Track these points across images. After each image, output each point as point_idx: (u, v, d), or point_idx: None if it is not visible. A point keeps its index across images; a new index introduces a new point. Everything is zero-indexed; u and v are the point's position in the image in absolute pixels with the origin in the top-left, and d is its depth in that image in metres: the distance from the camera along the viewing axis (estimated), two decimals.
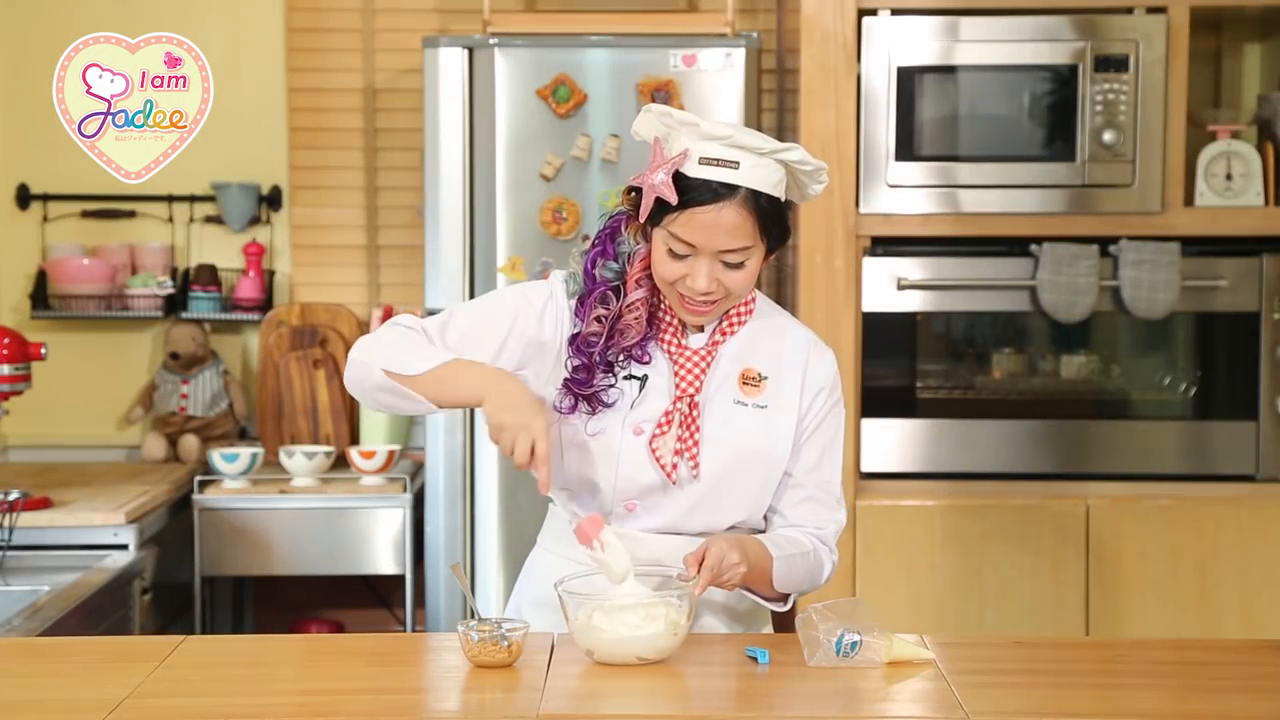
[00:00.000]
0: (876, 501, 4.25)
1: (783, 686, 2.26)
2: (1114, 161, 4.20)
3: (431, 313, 4.27)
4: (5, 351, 3.87)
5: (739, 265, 2.41)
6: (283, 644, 2.74)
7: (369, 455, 4.39)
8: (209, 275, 4.78)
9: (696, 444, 2.46)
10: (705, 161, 2.38)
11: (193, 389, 4.77)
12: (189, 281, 4.80)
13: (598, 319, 2.47)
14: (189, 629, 4.32)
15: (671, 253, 2.41)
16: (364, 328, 4.80)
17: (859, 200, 4.23)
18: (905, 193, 4.23)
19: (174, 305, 4.78)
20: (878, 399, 4.28)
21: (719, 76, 4.24)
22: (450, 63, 4.27)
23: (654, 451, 2.46)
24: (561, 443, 2.51)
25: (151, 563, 4.02)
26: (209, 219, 4.86)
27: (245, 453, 4.39)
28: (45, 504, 3.94)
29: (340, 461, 4.59)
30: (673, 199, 2.37)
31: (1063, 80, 4.21)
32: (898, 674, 2.29)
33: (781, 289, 4.76)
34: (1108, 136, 4.18)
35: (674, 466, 2.46)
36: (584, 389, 2.47)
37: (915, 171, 4.23)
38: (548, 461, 2.33)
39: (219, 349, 4.87)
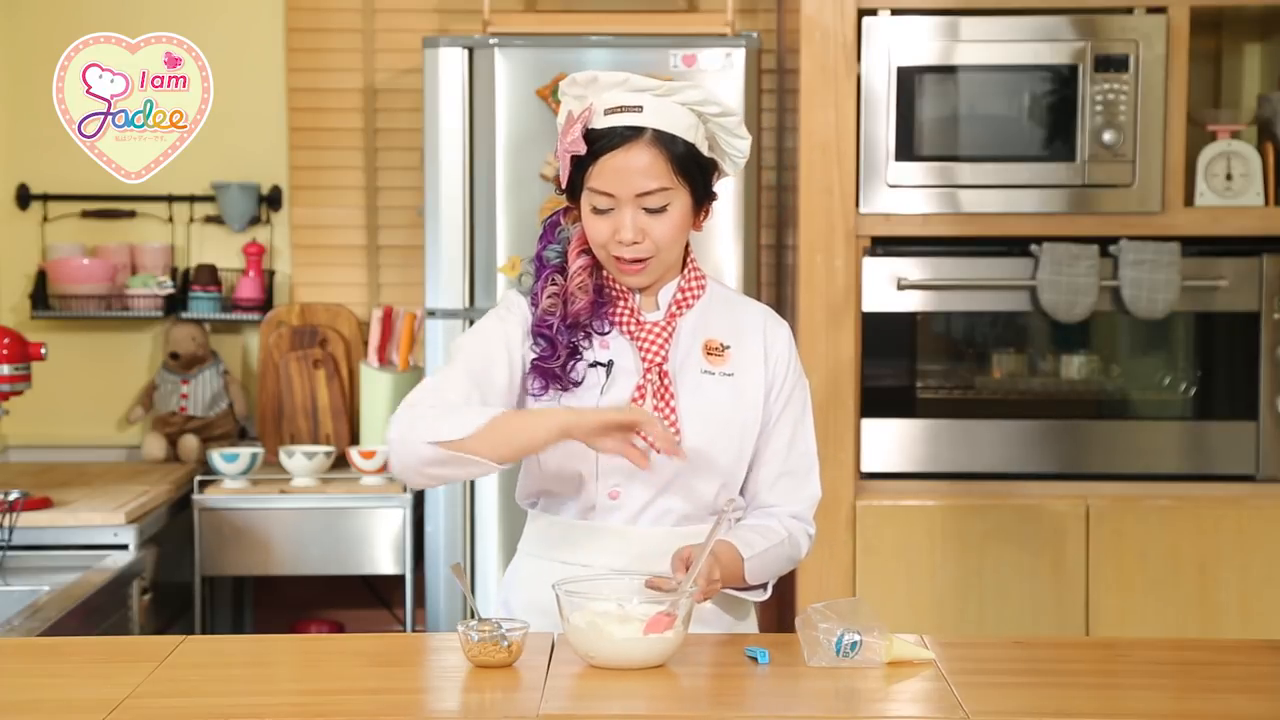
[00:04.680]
0: (876, 501, 4.25)
1: (783, 686, 2.26)
2: (1114, 161, 4.20)
3: (432, 313, 4.31)
4: (5, 351, 3.87)
5: (661, 210, 2.45)
6: (283, 644, 2.74)
7: (369, 455, 4.39)
8: (209, 275, 4.78)
9: (674, 410, 2.49)
10: (610, 111, 2.45)
11: (193, 389, 4.77)
12: (189, 281, 4.80)
13: (550, 296, 2.51)
14: (189, 629, 4.32)
15: (596, 210, 2.46)
16: (364, 328, 4.80)
17: (859, 200, 4.23)
18: (905, 193, 4.23)
19: (174, 305, 4.78)
20: (878, 399, 4.28)
21: (719, 76, 4.24)
22: (450, 63, 4.27)
23: None
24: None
25: (151, 563, 4.01)
26: (209, 219, 4.86)
27: (245, 453, 4.39)
28: (45, 504, 3.94)
29: (340, 461, 4.59)
30: (581, 150, 2.43)
31: (1063, 80, 4.21)
32: (898, 674, 2.29)
33: (781, 289, 4.76)
34: (1108, 136, 4.18)
35: None
36: (550, 363, 2.49)
37: (915, 171, 4.23)
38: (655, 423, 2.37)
39: (219, 349, 4.87)
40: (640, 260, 2.47)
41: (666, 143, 2.44)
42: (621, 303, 2.53)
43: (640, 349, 2.51)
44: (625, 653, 2.27)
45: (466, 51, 4.28)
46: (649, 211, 2.45)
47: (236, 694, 2.23)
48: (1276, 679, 2.33)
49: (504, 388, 2.50)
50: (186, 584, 4.35)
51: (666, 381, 2.50)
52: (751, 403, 2.55)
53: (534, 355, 2.51)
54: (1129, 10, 4.21)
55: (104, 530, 3.90)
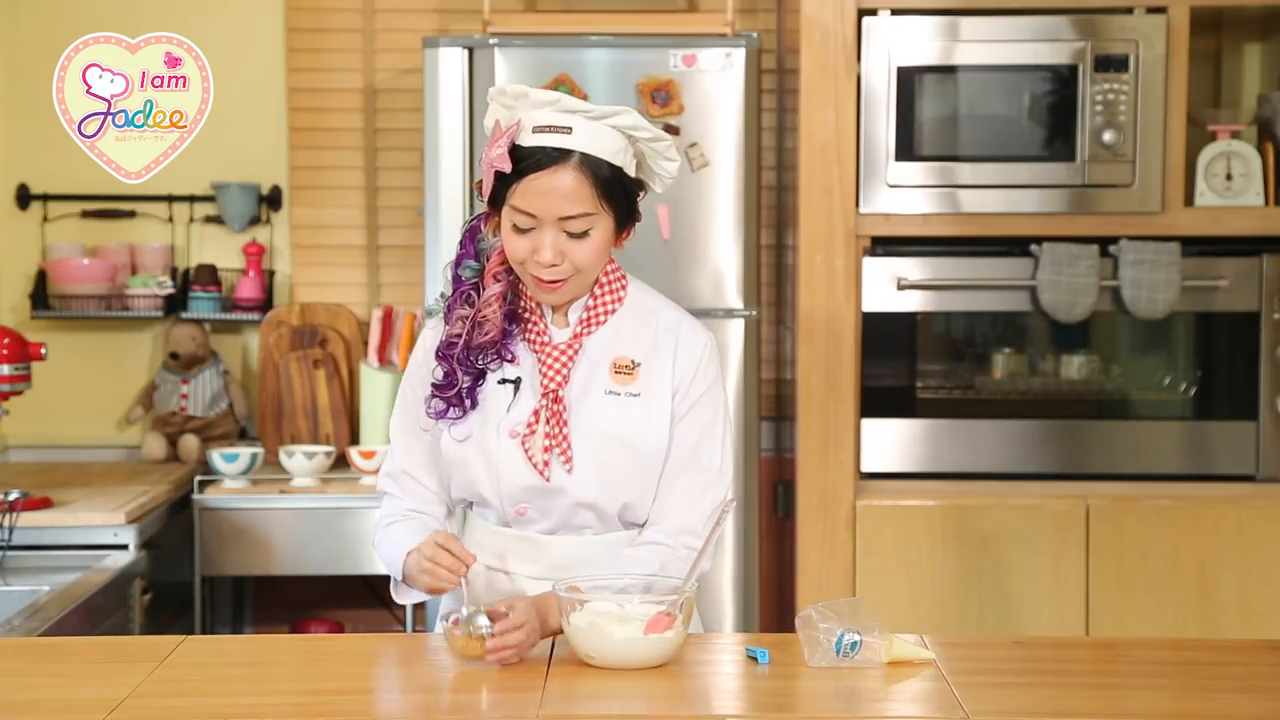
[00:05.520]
0: (876, 501, 4.24)
1: (783, 686, 2.26)
2: (1114, 161, 4.20)
3: (432, 313, 4.30)
4: (5, 351, 3.87)
5: (583, 235, 2.43)
6: (283, 644, 2.74)
7: (369, 455, 4.40)
8: (209, 275, 4.78)
9: (566, 439, 2.47)
10: (539, 129, 2.42)
11: (193, 389, 4.77)
12: (189, 281, 4.80)
13: (460, 318, 2.50)
14: (189, 629, 4.32)
15: (516, 228, 2.43)
16: (364, 328, 4.80)
17: (859, 200, 4.23)
18: (905, 193, 4.23)
19: (174, 305, 4.78)
20: (878, 399, 4.28)
21: (719, 76, 4.24)
22: (450, 63, 4.27)
23: (526, 451, 2.47)
24: (447, 460, 2.54)
25: (151, 563, 4.02)
26: (209, 219, 4.86)
27: (245, 453, 4.39)
28: (45, 504, 3.94)
29: (340, 461, 4.59)
30: (507, 168, 2.41)
31: (1063, 80, 4.21)
32: (898, 674, 2.29)
33: (781, 289, 4.76)
34: (1108, 136, 4.18)
35: (546, 464, 2.47)
36: (446, 393, 2.49)
37: (915, 171, 4.23)
38: (455, 550, 2.41)
39: (219, 349, 4.87)
40: (558, 281, 2.45)
41: (593, 167, 2.41)
42: (533, 321, 2.52)
43: (541, 373, 2.49)
44: (625, 653, 2.27)
45: (466, 51, 4.28)
46: (570, 235, 2.42)
47: (236, 694, 2.23)
48: (1276, 679, 2.33)
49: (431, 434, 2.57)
50: (186, 584, 4.35)
51: (559, 407, 2.47)
52: (658, 423, 2.50)
53: (433, 380, 2.51)
54: (1129, 10, 4.21)
55: (104, 530, 3.89)
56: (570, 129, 2.40)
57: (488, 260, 2.51)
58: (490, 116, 2.49)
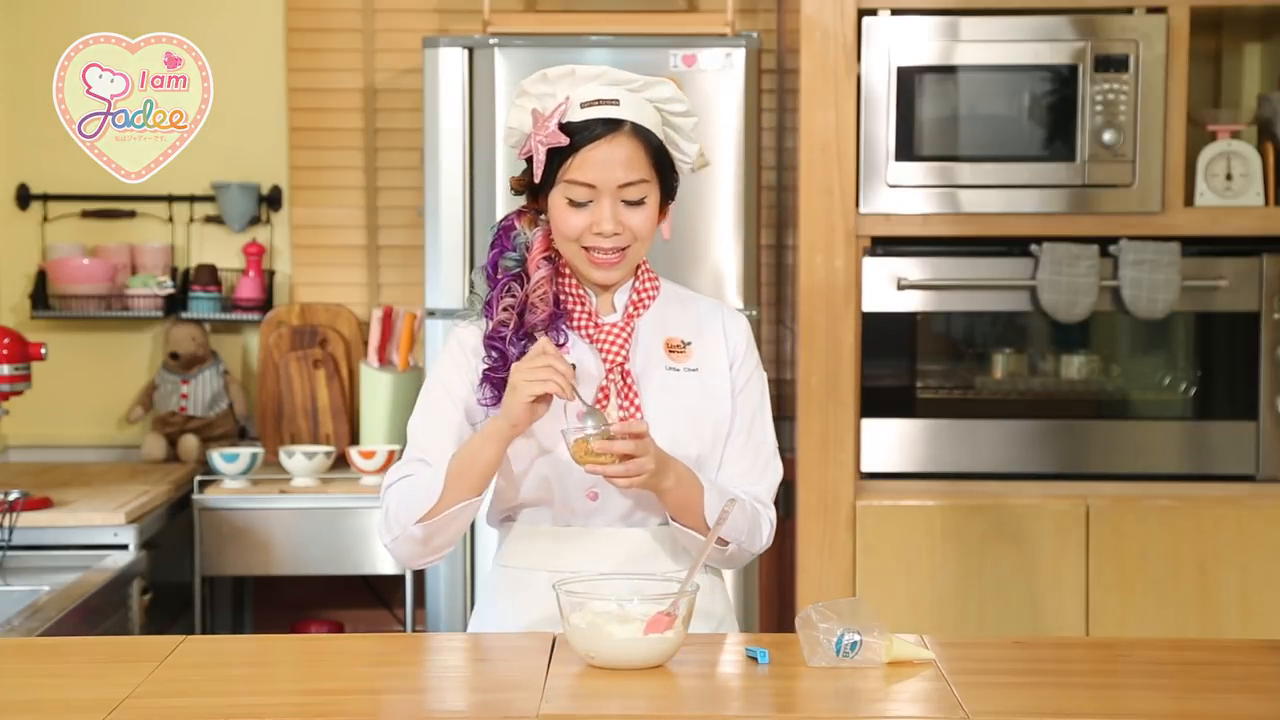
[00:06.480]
0: (876, 501, 4.25)
1: (783, 686, 2.26)
2: (1114, 161, 4.20)
3: (432, 313, 4.31)
4: (5, 351, 3.87)
5: (639, 203, 2.47)
6: (283, 644, 2.74)
7: (369, 455, 4.40)
8: (209, 275, 4.78)
9: (639, 408, 2.48)
10: (587, 104, 2.45)
11: (193, 389, 4.77)
12: (189, 281, 4.80)
13: (505, 308, 2.50)
14: (189, 629, 4.32)
15: (572, 203, 2.45)
16: (364, 328, 4.80)
17: (859, 200, 4.23)
18: (905, 193, 4.23)
19: (174, 305, 4.78)
20: (878, 399, 4.28)
21: (719, 76, 4.24)
22: (450, 63, 4.27)
23: None
24: (510, 463, 2.50)
25: (151, 563, 4.02)
26: (209, 219, 4.86)
27: (245, 453, 4.39)
28: (45, 504, 3.94)
29: (340, 461, 4.59)
30: (562, 141, 2.43)
31: (1063, 80, 4.21)
32: (898, 674, 2.29)
33: (781, 289, 4.76)
34: (1108, 136, 4.18)
35: None
36: (501, 373, 2.48)
37: (915, 171, 4.23)
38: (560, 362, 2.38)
39: (219, 349, 4.87)
40: (619, 250, 2.47)
41: (644, 135, 2.46)
42: (579, 308, 2.52)
43: (600, 350, 2.50)
44: (625, 653, 2.27)
45: (466, 51, 4.28)
46: (627, 204, 2.46)
47: (236, 694, 2.23)
48: (1276, 679, 2.33)
49: (458, 436, 2.51)
50: (186, 584, 4.35)
51: (630, 380, 2.49)
52: (720, 395, 2.55)
53: (485, 365, 2.50)
54: (1129, 10, 4.21)
55: (104, 530, 3.90)
56: (618, 100, 2.45)
57: (528, 251, 2.52)
58: (519, 112, 2.50)
